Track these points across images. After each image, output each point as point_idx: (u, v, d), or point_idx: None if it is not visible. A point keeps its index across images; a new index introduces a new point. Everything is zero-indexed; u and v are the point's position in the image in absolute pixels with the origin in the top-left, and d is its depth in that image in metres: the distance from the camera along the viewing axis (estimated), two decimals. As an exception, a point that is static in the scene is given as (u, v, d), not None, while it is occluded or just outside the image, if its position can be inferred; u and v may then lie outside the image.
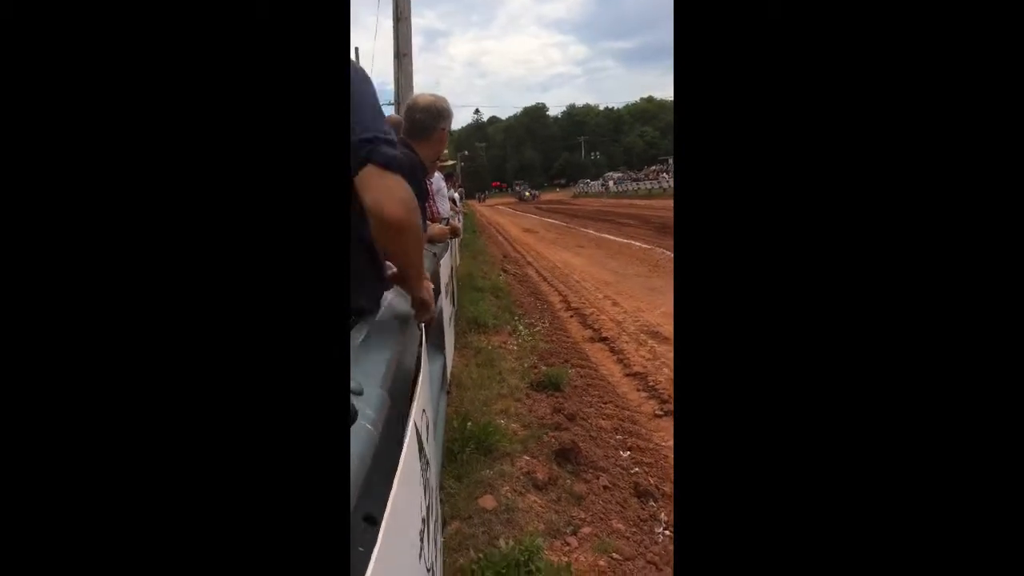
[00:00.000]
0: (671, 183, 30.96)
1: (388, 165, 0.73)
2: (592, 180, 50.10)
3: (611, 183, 42.37)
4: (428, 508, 0.83)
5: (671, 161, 41.67)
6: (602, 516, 1.74)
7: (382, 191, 0.72)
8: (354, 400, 0.55)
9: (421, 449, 0.76)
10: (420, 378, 0.79)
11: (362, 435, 0.52)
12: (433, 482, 1.00)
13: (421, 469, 0.73)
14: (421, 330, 1.11)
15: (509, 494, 1.71)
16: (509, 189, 58.11)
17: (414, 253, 0.85)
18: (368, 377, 0.62)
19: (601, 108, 73.26)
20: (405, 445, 0.57)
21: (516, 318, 4.35)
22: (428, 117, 1.63)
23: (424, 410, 0.83)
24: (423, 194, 1.91)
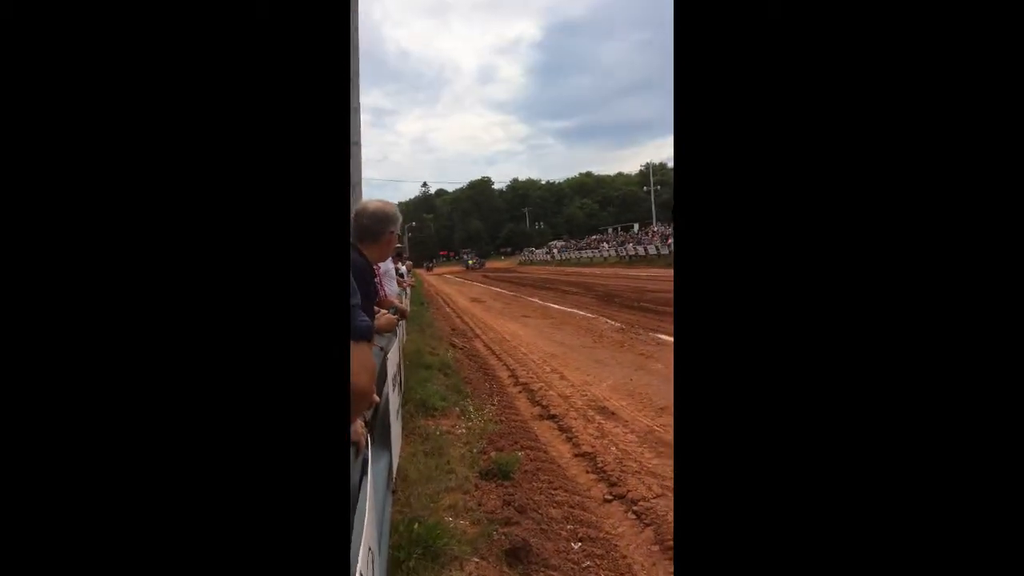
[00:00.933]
0: (610, 252, 32.65)
1: (361, 337, 0.79)
2: (536, 248, 52.11)
3: (555, 251, 44.33)
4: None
5: (609, 231, 44.17)
6: (555, 621, 1.68)
7: (354, 363, 0.74)
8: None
9: (366, 593, 0.74)
10: (366, 516, 0.79)
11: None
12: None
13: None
14: (368, 446, 1.11)
15: (458, 605, 1.63)
16: (457, 257, 58.98)
17: (359, 412, 0.91)
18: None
19: (543, 182, 77.73)
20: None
21: (465, 398, 4.30)
22: (375, 222, 1.72)
23: (370, 548, 0.82)
24: (373, 295, 1.95)
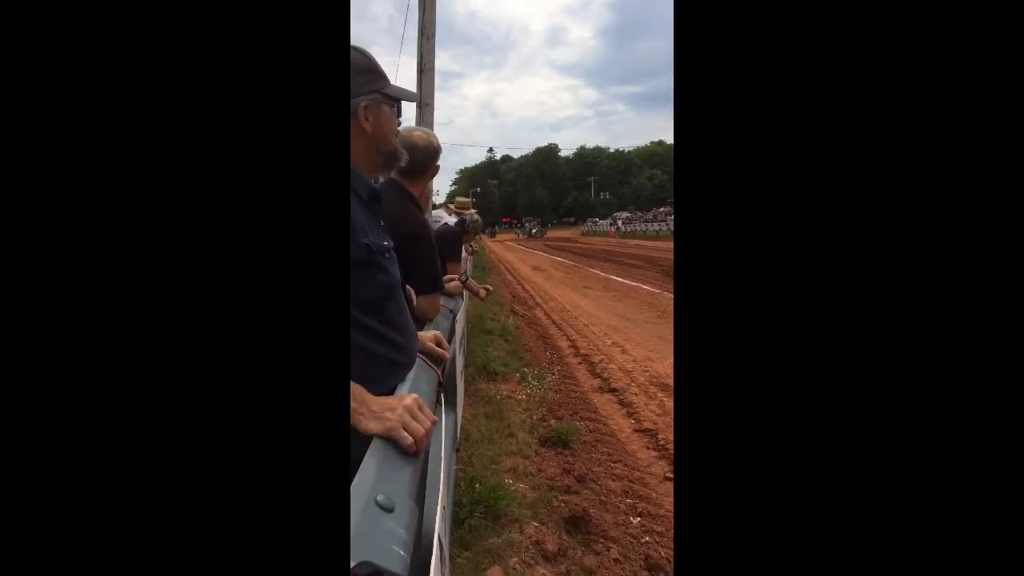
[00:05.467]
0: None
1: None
2: (601, 219, 50.92)
3: (619, 223, 43.08)
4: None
5: (680, 203, 42.14)
6: (613, 593, 1.68)
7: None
8: (385, 519, 0.54)
9: (441, 551, 0.75)
10: (441, 488, 0.79)
11: (395, 562, 0.51)
12: (448, 571, 0.97)
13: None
14: (442, 403, 1.11)
15: (518, 566, 1.66)
16: (519, 225, 59.05)
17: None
18: (397, 486, 0.62)
19: (611, 150, 75.02)
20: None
21: (525, 365, 4.33)
22: (427, 158, 1.62)
23: (444, 507, 0.82)
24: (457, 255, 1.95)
